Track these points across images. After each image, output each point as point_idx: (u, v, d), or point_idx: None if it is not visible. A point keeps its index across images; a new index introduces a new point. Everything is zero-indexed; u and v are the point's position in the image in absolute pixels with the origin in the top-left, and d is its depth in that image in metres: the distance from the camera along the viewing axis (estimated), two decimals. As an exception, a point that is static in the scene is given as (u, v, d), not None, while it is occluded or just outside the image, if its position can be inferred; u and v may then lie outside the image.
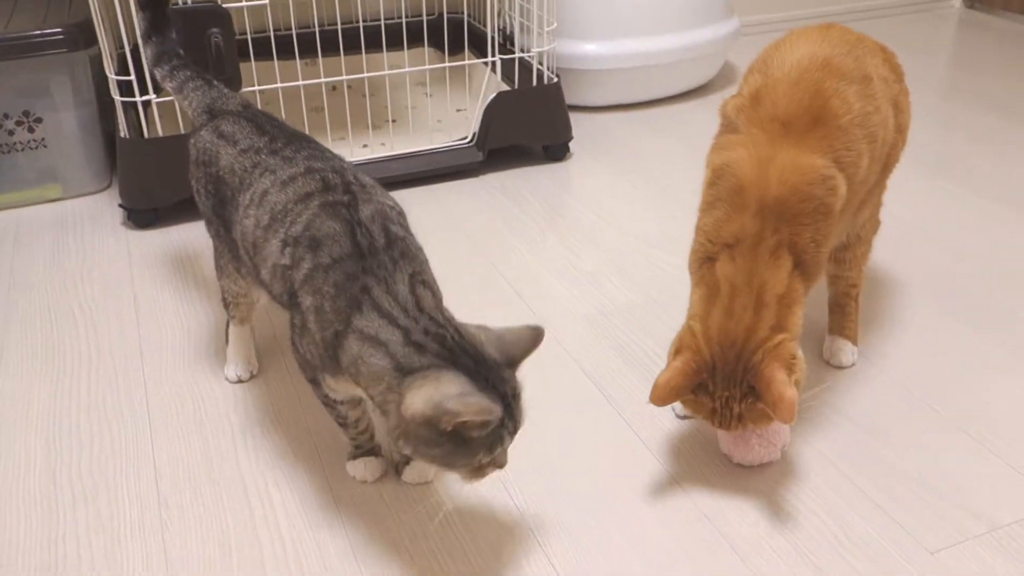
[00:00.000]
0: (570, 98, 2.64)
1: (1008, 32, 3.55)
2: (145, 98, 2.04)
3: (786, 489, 1.37)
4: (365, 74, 2.30)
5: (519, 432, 1.13)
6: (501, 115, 2.36)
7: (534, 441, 1.45)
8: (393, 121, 2.60)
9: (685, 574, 1.23)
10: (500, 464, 1.14)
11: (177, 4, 2.03)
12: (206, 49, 2.00)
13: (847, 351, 1.62)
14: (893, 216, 2.11)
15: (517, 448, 1.45)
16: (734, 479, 1.39)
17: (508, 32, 2.64)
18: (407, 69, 2.47)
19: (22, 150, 2.21)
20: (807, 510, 1.33)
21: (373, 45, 2.50)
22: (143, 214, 2.14)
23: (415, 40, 2.72)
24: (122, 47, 2.05)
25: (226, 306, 1.57)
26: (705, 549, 1.27)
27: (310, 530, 1.31)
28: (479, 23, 2.75)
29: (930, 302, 1.81)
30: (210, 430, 1.50)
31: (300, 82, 2.23)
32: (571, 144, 2.51)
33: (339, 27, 2.46)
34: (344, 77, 2.26)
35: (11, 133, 2.18)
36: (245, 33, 2.35)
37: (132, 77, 2.00)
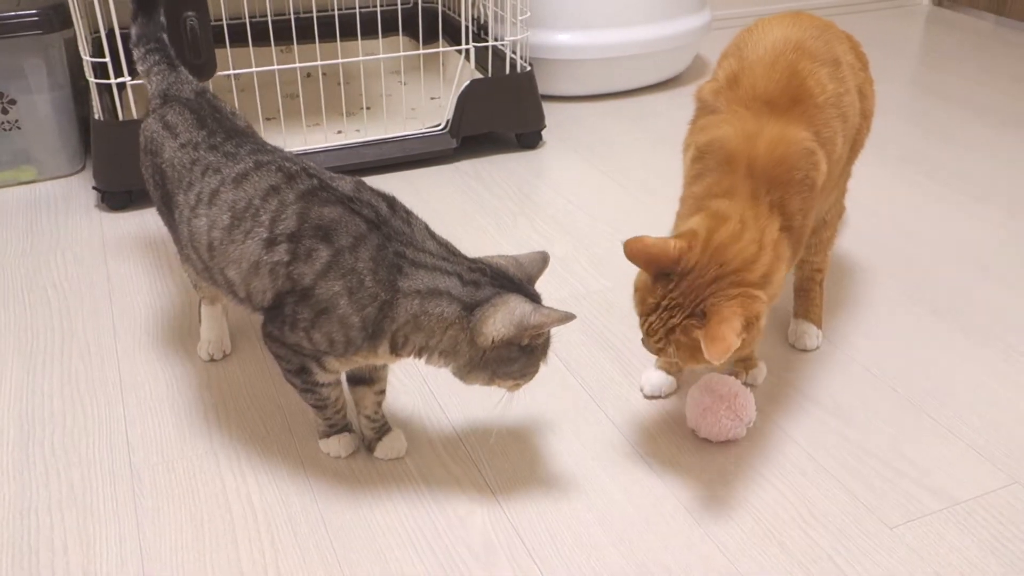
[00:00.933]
0: (543, 87, 2.66)
1: (974, 29, 3.61)
2: (120, 80, 2.04)
3: (750, 467, 1.40)
4: (339, 60, 2.31)
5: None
6: (475, 103, 2.37)
7: (507, 420, 1.48)
8: (367, 108, 2.61)
9: (649, 547, 1.26)
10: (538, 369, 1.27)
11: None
12: (180, 33, 2.01)
13: (811, 334, 1.65)
14: (858, 204, 2.15)
15: (489, 427, 1.47)
16: (699, 457, 1.41)
17: (482, 21, 2.66)
18: (381, 55, 2.48)
19: (-5, 131, 2.20)
20: (771, 487, 1.36)
21: (348, 34, 2.51)
22: (117, 196, 2.14)
23: (390, 29, 2.73)
24: (97, 31, 2.05)
25: (195, 287, 1.58)
26: (670, 523, 1.30)
27: (282, 504, 1.32)
28: (453, 12, 2.76)
29: (892, 288, 1.84)
30: (183, 406, 1.51)
31: (275, 66, 2.24)
32: (544, 132, 2.53)
33: (314, 14, 2.46)
34: (319, 62, 2.27)
35: (-16, 114, 2.18)
36: (221, 19, 2.35)
37: (107, 59, 2.01)
